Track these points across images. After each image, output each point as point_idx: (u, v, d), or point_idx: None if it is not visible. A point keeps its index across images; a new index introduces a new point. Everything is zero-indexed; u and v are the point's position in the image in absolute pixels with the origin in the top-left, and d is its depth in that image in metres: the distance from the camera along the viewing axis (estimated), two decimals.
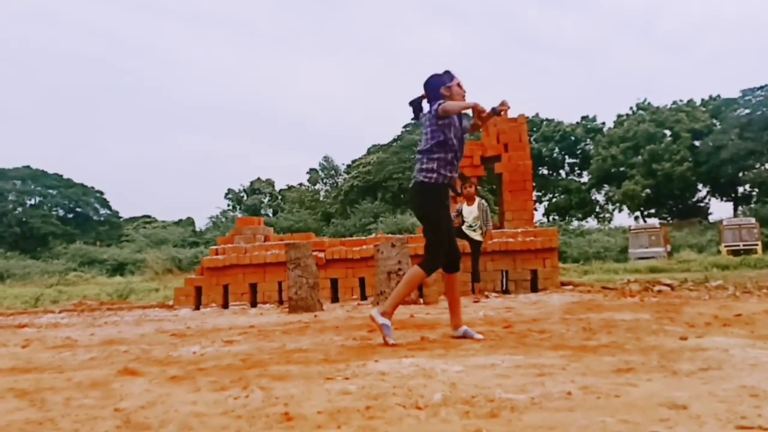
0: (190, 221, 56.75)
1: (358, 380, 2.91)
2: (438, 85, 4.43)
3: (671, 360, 3.12)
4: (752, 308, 5.83)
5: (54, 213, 57.47)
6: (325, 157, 58.03)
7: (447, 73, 4.47)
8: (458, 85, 4.43)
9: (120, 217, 61.29)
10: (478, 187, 9.43)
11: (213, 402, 2.58)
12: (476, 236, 8.47)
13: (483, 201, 8.71)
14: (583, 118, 55.83)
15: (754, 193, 47.41)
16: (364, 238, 10.78)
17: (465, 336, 4.38)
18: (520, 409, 2.20)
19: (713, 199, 52.04)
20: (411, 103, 4.57)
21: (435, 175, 4.37)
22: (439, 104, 4.31)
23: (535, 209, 9.90)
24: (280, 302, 9.54)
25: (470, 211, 8.49)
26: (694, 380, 2.61)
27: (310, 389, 2.74)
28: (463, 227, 8.54)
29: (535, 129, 55.01)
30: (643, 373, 2.83)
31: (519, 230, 9.89)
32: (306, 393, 2.66)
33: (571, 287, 9.64)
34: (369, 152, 52.89)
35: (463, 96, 4.43)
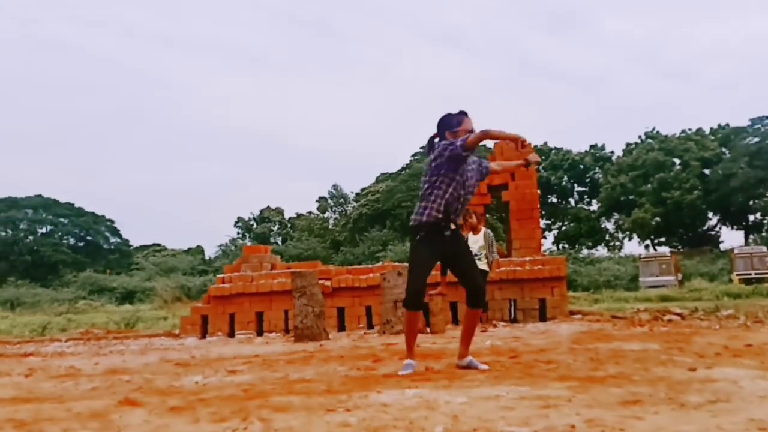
0: (199, 249, 56.87)
1: (359, 412, 2.87)
2: (446, 126, 4.37)
3: (679, 391, 3.06)
4: (763, 338, 5.75)
5: (65, 241, 57.79)
6: (334, 185, 58.22)
7: (460, 113, 4.38)
8: (466, 129, 4.27)
9: (130, 246, 61.51)
10: (485, 216, 9.39)
11: None
12: (482, 266, 8.41)
13: (488, 231, 8.67)
14: (591, 146, 55.89)
15: (765, 221, 47.12)
16: (370, 266, 10.76)
17: (469, 366, 4.33)
18: None
19: (724, 228, 51.73)
20: (428, 140, 4.53)
21: (418, 216, 4.34)
22: (464, 140, 4.13)
23: (544, 237, 9.86)
24: (287, 331, 9.49)
25: (475, 241, 8.45)
26: (702, 413, 2.55)
27: (310, 421, 2.70)
28: None
29: (543, 158, 55.09)
30: (650, 405, 2.77)
31: (527, 259, 9.84)
32: (306, 425, 2.62)
33: (580, 316, 9.55)
34: (378, 180, 53.05)
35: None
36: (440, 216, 4.27)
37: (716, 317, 9.05)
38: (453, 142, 4.21)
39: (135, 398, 3.51)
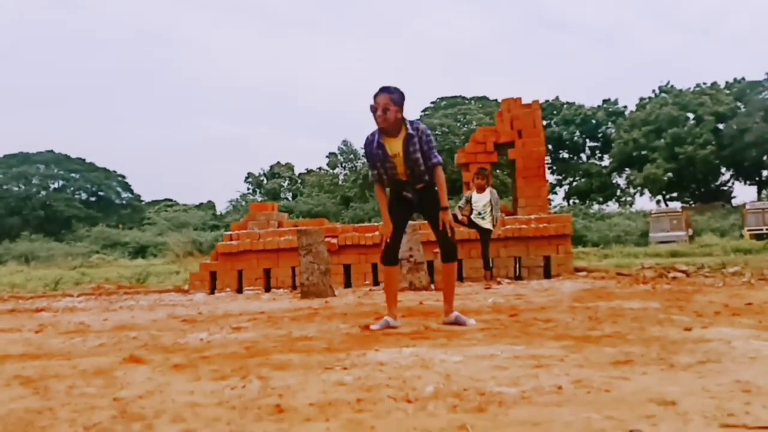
0: (210, 205, 57.21)
1: (355, 370, 2.94)
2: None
3: (671, 352, 3.11)
4: (764, 297, 5.77)
5: (77, 196, 58.28)
6: (344, 141, 57.89)
7: (390, 88, 4.52)
8: (371, 109, 4.49)
9: (142, 201, 61.97)
10: (492, 173, 9.36)
11: (210, 392, 2.62)
12: (485, 224, 8.43)
13: (494, 190, 8.66)
14: (604, 101, 55.19)
15: None
16: (376, 224, 10.80)
17: (456, 322, 4.47)
18: (509, 403, 2.21)
19: (737, 183, 51.33)
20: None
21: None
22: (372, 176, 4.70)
23: (554, 193, 9.83)
24: (294, 287, 9.61)
25: (480, 199, 8.45)
26: (689, 374, 2.60)
27: (307, 379, 2.77)
28: (473, 216, 8.50)
29: (555, 112, 54.49)
30: (640, 365, 2.81)
31: (532, 216, 9.84)
32: (302, 383, 2.69)
33: (585, 273, 9.59)
34: None
35: (379, 122, 4.47)
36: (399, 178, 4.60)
37: (722, 274, 9.06)
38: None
39: (139, 355, 3.60)
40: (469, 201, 8.59)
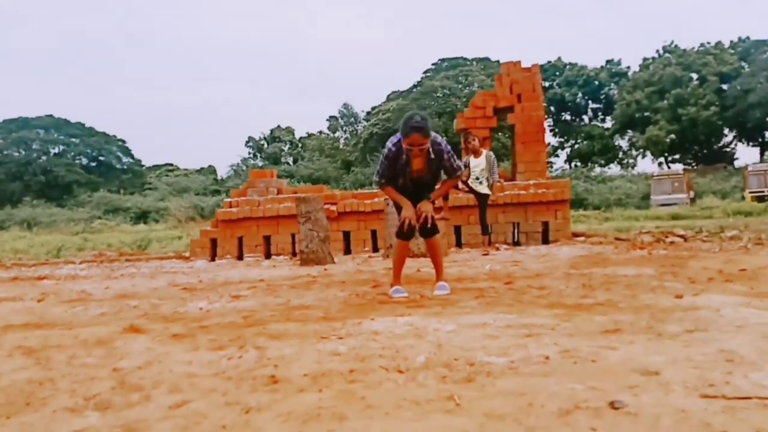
0: (211, 169, 57.17)
1: (350, 340, 3.00)
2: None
3: (660, 320, 3.16)
4: (759, 262, 5.81)
5: (78, 161, 58.24)
6: (344, 104, 57.75)
7: (408, 123, 4.43)
8: (407, 147, 4.42)
9: (142, 166, 61.92)
10: (490, 138, 9.35)
11: (208, 362, 2.68)
12: (483, 189, 8.44)
13: (490, 153, 8.65)
14: (607, 62, 54.71)
15: None
16: (375, 190, 10.83)
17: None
18: (496, 374, 2.26)
19: (740, 145, 51.17)
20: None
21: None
22: (377, 179, 4.73)
23: (556, 155, 9.80)
24: (294, 254, 9.68)
25: (477, 164, 8.45)
26: (676, 343, 2.65)
27: (302, 349, 2.83)
28: (470, 180, 8.50)
29: (558, 73, 54.02)
30: (628, 334, 2.87)
31: (531, 182, 9.86)
32: (298, 354, 2.75)
33: (583, 239, 9.65)
34: (389, 99, 52.45)
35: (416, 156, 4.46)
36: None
37: (719, 239, 9.11)
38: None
39: (139, 325, 3.66)
40: (467, 166, 8.59)
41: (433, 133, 4.52)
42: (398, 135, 4.51)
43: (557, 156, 55.67)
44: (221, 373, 2.48)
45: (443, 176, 4.75)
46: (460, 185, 8.50)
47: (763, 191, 31.31)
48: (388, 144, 4.55)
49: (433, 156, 4.52)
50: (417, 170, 4.57)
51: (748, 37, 50.02)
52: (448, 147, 4.63)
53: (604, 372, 2.22)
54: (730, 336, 2.75)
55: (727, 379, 2.09)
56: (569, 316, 3.39)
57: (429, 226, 4.65)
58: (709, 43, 49.85)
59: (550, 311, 3.56)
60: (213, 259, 9.93)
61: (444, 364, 2.44)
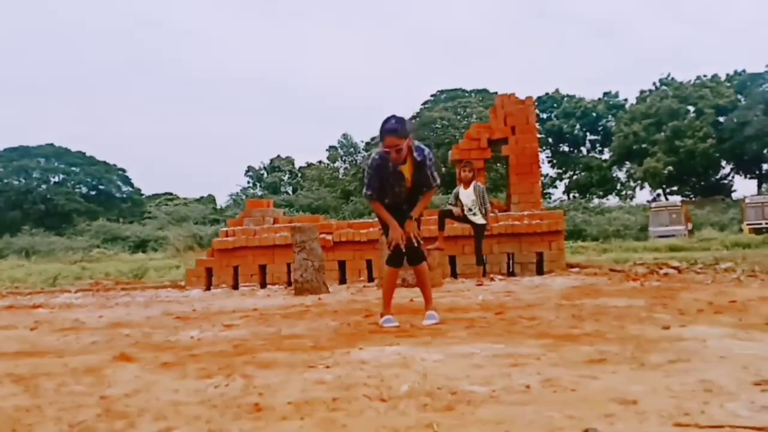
0: (211, 198, 57.26)
1: (337, 369, 3.02)
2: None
3: (645, 351, 3.19)
4: (750, 294, 5.84)
5: (77, 190, 58.40)
6: (344, 134, 57.97)
7: (383, 127, 4.46)
8: (384, 151, 4.45)
9: (142, 195, 62.06)
10: (484, 170, 9.42)
11: (194, 390, 2.70)
12: (477, 219, 8.49)
13: (479, 184, 8.71)
14: (605, 94, 55.24)
15: None
16: (371, 220, 10.89)
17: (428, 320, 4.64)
18: (477, 402, 2.29)
19: (737, 177, 51.39)
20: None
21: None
22: (366, 193, 4.70)
23: (542, 192, 9.90)
24: (289, 283, 9.69)
25: (467, 195, 8.51)
26: (657, 373, 2.68)
27: (289, 378, 2.85)
28: (465, 212, 8.55)
29: (556, 105, 54.50)
30: (612, 364, 2.90)
31: (525, 213, 9.92)
32: (284, 382, 2.77)
33: (577, 269, 9.67)
34: None
35: (395, 159, 4.45)
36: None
37: (714, 271, 9.13)
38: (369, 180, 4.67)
39: (130, 354, 3.69)
40: (457, 197, 8.65)
41: (416, 142, 4.56)
42: None
43: (555, 187, 55.92)
44: (207, 401, 2.51)
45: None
46: (456, 212, 8.56)
47: (760, 223, 31.38)
48: (374, 155, 4.59)
49: (419, 161, 4.53)
50: (409, 179, 4.56)
51: (744, 71, 50.58)
52: (431, 156, 4.63)
53: (582, 401, 2.25)
54: (711, 366, 2.78)
55: (703, 408, 2.12)
56: (556, 346, 3.41)
57: (416, 245, 4.66)
58: (705, 76, 50.42)
59: (538, 341, 3.59)
60: (208, 289, 9.94)
61: (427, 393, 2.46)
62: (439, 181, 4.70)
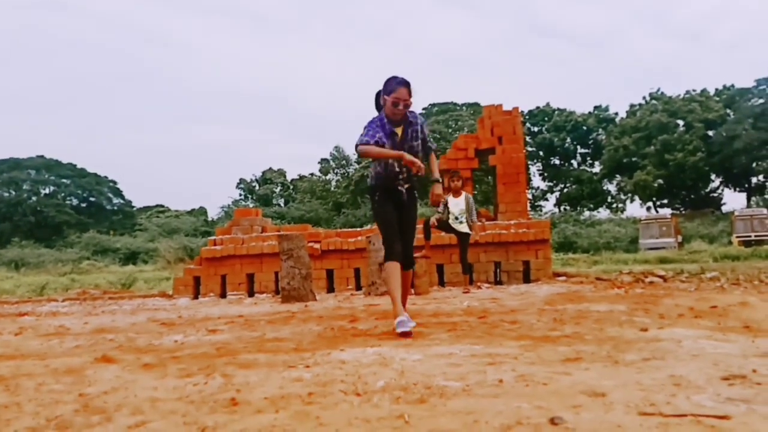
0: (202, 211, 57.21)
1: (317, 368, 3.04)
2: (384, 90, 4.49)
3: (621, 350, 3.23)
4: (730, 300, 5.89)
5: (68, 202, 58.22)
6: (336, 147, 58.16)
7: (398, 82, 4.42)
8: (393, 101, 4.39)
9: (133, 207, 61.95)
10: (471, 179, 9.50)
11: (173, 388, 2.72)
12: (463, 228, 8.54)
13: (469, 195, 8.79)
14: (595, 107, 55.64)
15: None
16: (359, 229, 10.93)
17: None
18: (449, 395, 2.33)
19: (726, 190, 51.79)
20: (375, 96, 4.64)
21: (369, 179, 4.76)
22: (360, 142, 4.41)
23: (529, 202, 9.98)
24: (277, 291, 9.71)
25: (456, 204, 8.58)
26: (629, 369, 2.72)
27: (268, 377, 2.88)
28: (450, 220, 8.61)
29: (546, 119, 54.84)
30: (587, 362, 2.94)
31: (512, 222, 9.99)
32: (263, 380, 2.80)
33: (564, 278, 9.73)
34: None
35: (394, 113, 4.43)
36: (387, 173, 4.59)
37: (699, 279, 9.20)
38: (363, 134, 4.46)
39: (112, 356, 3.70)
40: (446, 206, 8.71)
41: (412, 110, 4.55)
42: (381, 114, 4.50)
43: (546, 200, 56.16)
44: (184, 398, 2.53)
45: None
46: (433, 219, 8.60)
47: (749, 236, 31.63)
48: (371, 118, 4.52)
49: (411, 120, 4.49)
50: (400, 136, 4.48)
51: (732, 85, 51.12)
52: (424, 120, 4.66)
53: (552, 393, 2.29)
54: (683, 364, 2.82)
55: (670, 400, 2.16)
56: (534, 346, 3.45)
57: (411, 254, 4.66)
58: (694, 90, 50.95)
59: (517, 343, 3.62)
60: (196, 297, 9.94)
61: (402, 387, 2.50)
62: (435, 145, 4.71)
